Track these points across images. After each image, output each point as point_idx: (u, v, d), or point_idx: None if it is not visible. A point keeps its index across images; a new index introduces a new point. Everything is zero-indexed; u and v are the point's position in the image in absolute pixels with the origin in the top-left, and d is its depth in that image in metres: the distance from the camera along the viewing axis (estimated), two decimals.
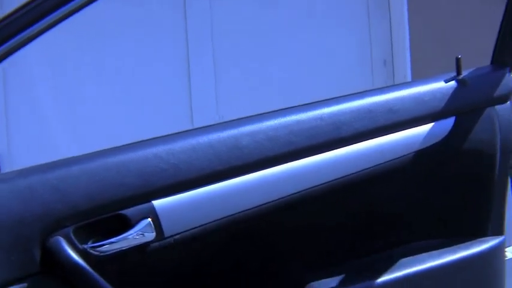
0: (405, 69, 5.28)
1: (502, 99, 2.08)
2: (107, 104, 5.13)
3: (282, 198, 1.88)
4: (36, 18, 1.62)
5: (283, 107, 1.98)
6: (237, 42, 5.27)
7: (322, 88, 5.18)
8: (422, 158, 2.00)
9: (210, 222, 1.83)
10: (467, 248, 2.01)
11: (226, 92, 5.26)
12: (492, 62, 2.14)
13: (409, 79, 5.27)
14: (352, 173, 1.94)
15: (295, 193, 1.89)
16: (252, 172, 1.86)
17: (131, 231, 1.76)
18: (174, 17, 5.22)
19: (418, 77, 5.21)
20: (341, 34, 5.34)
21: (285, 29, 5.30)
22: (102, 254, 1.75)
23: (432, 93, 2.04)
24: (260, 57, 5.27)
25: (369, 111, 1.98)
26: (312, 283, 1.91)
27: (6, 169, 4.99)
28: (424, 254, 1.99)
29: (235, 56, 5.26)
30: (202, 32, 5.24)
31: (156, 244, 1.79)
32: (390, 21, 5.36)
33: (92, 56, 5.11)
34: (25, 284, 1.69)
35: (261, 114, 1.96)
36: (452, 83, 2.06)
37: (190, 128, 1.99)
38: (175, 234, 1.81)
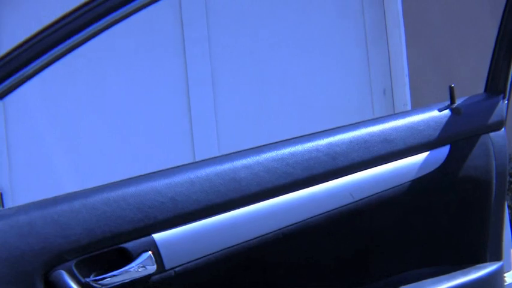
0: (405, 97, 5.30)
1: (496, 126, 2.10)
2: (107, 136, 5.15)
3: (280, 229, 1.90)
4: (37, 55, 1.65)
5: (280, 140, 2.01)
6: (236, 71, 5.29)
7: (323, 117, 5.20)
8: (418, 187, 2.02)
9: (210, 254, 1.85)
10: (465, 274, 2.02)
11: (226, 121, 5.27)
12: (485, 90, 2.17)
13: (409, 107, 5.27)
14: (349, 203, 1.95)
15: (293, 224, 1.91)
16: (250, 204, 1.88)
17: (132, 264, 1.78)
18: (174, 46, 5.25)
19: (418, 105, 5.24)
20: (340, 63, 5.37)
21: (284, 59, 5.32)
22: (104, 287, 1.77)
23: (427, 122, 2.06)
24: (260, 86, 5.29)
25: (364, 141, 2.00)
26: None
27: (9, 204, 5.01)
28: (423, 281, 2.00)
29: (234, 85, 5.28)
30: (201, 63, 5.26)
31: (157, 276, 1.81)
32: (388, 50, 5.38)
33: (91, 89, 5.13)
34: None
35: (258, 146, 1.98)
36: (447, 111, 2.08)
37: (192, 160, 2.01)
38: (176, 267, 1.83)
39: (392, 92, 5.42)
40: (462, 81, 5.34)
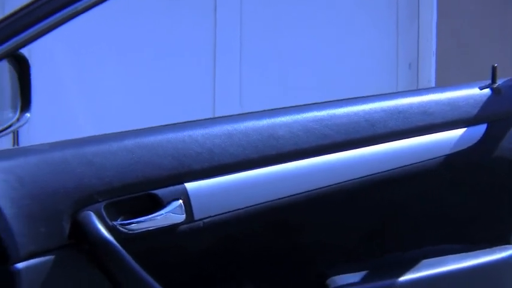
0: (430, 74, 5.28)
1: None
2: (127, 92, 5.15)
3: (312, 190, 1.89)
4: (64, 5, 1.62)
5: (320, 101, 2.00)
6: (265, 37, 5.27)
7: (346, 87, 5.18)
8: (452, 162, 2.01)
9: (240, 209, 1.84)
10: (489, 254, 2.02)
11: (250, 86, 5.26)
12: None
13: (432, 84, 5.26)
14: (382, 171, 1.95)
15: (325, 186, 1.90)
16: (285, 162, 1.87)
17: (162, 211, 1.77)
18: (204, 6, 5.23)
19: (442, 83, 5.23)
20: (369, 34, 5.34)
21: (313, 26, 5.30)
22: (130, 232, 1.76)
23: (466, 99, 2.05)
24: (286, 54, 5.27)
25: (403, 111, 1.99)
26: (334, 277, 1.93)
27: (25, 144, 5.01)
28: (445, 257, 2.00)
29: (262, 52, 5.27)
30: (230, 24, 5.25)
31: (185, 226, 1.80)
32: (418, 25, 5.35)
33: (116, 45, 5.12)
34: (52, 256, 1.70)
35: (297, 106, 1.97)
36: (487, 90, 2.07)
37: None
38: (205, 218, 1.82)
39: (418, 67, 5.40)
40: (487, 67, 5.29)
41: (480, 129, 2.04)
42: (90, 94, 5.14)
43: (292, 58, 5.30)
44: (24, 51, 1.75)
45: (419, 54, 5.41)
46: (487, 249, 2.03)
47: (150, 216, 1.77)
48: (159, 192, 1.78)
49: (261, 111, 1.95)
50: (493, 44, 5.37)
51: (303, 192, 1.88)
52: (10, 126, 1.80)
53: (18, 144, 5.04)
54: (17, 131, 4.99)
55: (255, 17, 5.29)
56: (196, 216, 1.81)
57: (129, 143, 1.80)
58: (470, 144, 2.03)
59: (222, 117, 1.94)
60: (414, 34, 5.41)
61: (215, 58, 5.26)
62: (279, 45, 5.29)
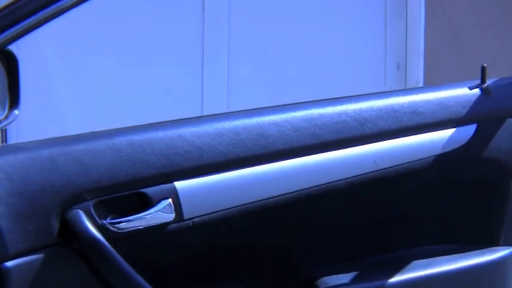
0: (418, 74, 5.28)
1: None
2: (116, 85, 5.13)
3: (302, 190, 1.89)
4: (53, 1, 1.61)
5: (309, 100, 1.99)
6: (252, 36, 5.26)
7: (334, 87, 5.17)
8: (441, 162, 2.01)
9: (230, 208, 1.83)
10: (479, 255, 2.02)
11: (238, 85, 5.25)
12: None
13: (421, 84, 5.26)
14: (372, 171, 1.95)
15: (315, 186, 1.90)
16: (274, 162, 1.87)
17: (151, 210, 1.77)
18: (192, 4, 5.22)
19: (430, 83, 5.24)
20: (357, 33, 5.34)
21: (300, 26, 5.29)
22: (119, 230, 1.75)
23: (456, 98, 2.05)
24: (273, 52, 5.27)
25: (393, 110, 1.99)
26: (324, 278, 1.92)
27: (13, 141, 4.99)
28: (436, 258, 2.00)
29: (249, 50, 5.25)
30: (218, 22, 5.24)
31: (174, 225, 1.79)
32: (406, 24, 5.35)
33: (105, 38, 5.11)
34: (41, 255, 1.69)
35: (286, 104, 1.97)
36: (476, 90, 2.08)
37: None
38: (195, 217, 1.81)
39: (406, 67, 5.40)
40: (478, 64, 5.29)
41: (470, 129, 2.05)
42: (78, 92, 5.12)
43: (279, 57, 5.29)
44: (12, 47, 1.74)
45: (407, 55, 5.40)
46: (477, 251, 2.03)
47: (139, 215, 1.76)
48: (148, 190, 1.78)
49: (251, 109, 1.95)
50: (484, 42, 5.37)
51: (292, 192, 1.88)
52: None
53: (6, 142, 5.02)
54: (5, 129, 4.96)
55: (242, 16, 5.28)
56: (186, 215, 1.80)
57: (118, 141, 1.79)
58: (459, 144, 2.03)
59: (211, 115, 1.93)
60: (402, 33, 5.41)
61: (203, 56, 5.25)
62: (266, 44, 5.29)
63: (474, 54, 5.31)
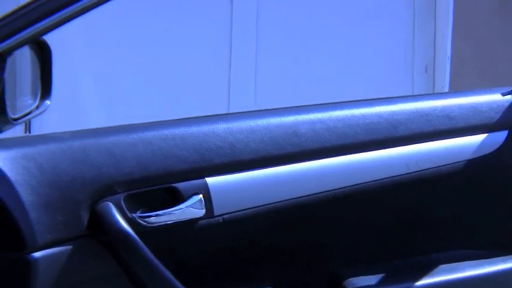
0: (444, 78, 5.26)
1: None
2: (143, 84, 5.14)
3: (332, 190, 1.88)
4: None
5: (343, 100, 1.99)
6: (280, 36, 5.25)
7: (361, 89, 5.15)
8: (471, 167, 2.00)
9: (260, 206, 1.83)
10: (505, 261, 2.01)
11: (265, 84, 5.25)
12: None
13: (446, 89, 5.24)
14: (402, 174, 1.94)
15: (345, 187, 1.89)
16: (307, 161, 1.87)
17: (181, 205, 1.76)
18: (220, 1, 5.23)
19: (456, 88, 5.22)
20: (386, 35, 5.32)
21: (329, 26, 5.28)
22: (149, 225, 1.74)
23: (489, 104, 2.05)
24: (301, 53, 5.26)
25: (425, 114, 1.99)
26: (351, 279, 1.92)
27: (36, 132, 5.01)
28: (462, 263, 1.99)
29: (277, 50, 5.25)
30: (247, 21, 5.24)
31: (204, 221, 1.79)
32: (435, 28, 5.33)
33: (131, 34, 5.11)
34: (69, 246, 1.69)
35: (320, 104, 1.97)
36: (509, 97, 2.07)
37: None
38: (225, 214, 1.81)
39: (434, 70, 5.38)
40: (501, 74, 5.32)
41: (501, 135, 2.04)
42: (105, 88, 5.13)
43: (307, 58, 5.28)
44: None
45: (435, 59, 5.38)
46: (504, 257, 2.02)
47: (169, 209, 1.76)
48: (179, 185, 1.77)
49: (284, 108, 1.95)
50: (509, 51, 5.34)
51: (322, 192, 1.88)
52: (29, 113, 1.78)
53: (30, 133, 5.03)
54: (29, 120, 4.98)
55: (271, 15, 5.28)
56: (216, 211, 1.79)
57: (150, 134, 1.79)
58: (490, 150, 2.02)
59: (244, 112, 1.93)
60: (430, 38, 5.39)
61: (231, 54, 5.25)
62: (293, 46, 5.28)
63: (497, 64, 5.29)
